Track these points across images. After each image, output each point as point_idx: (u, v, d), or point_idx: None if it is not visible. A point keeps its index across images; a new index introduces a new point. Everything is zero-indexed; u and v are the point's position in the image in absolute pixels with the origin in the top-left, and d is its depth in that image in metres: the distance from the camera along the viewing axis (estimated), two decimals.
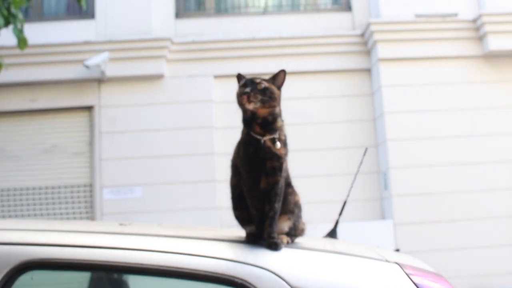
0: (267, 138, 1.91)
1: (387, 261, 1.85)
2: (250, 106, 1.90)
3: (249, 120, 1.94)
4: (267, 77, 1.97)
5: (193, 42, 7.01)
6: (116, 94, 6.90)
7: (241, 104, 1.93)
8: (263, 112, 1.91)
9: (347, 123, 7.00)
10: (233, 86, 1.98)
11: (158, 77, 6.92)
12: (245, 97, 1.89)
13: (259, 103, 1.90)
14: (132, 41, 6.85)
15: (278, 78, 1.96)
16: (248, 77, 1.97)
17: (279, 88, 1.96)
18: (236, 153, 2.00)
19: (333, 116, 7.00)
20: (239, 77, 1.98)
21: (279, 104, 1.95)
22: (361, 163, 2.88)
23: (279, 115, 1.96)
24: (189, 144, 6.82)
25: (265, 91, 1.91)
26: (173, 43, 6.90)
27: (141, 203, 6.71)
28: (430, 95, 6.82)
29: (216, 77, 6.96)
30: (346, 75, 7.08)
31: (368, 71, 7.08)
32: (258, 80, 1.93)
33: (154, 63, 6.88)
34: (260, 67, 6.73)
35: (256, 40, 7.03)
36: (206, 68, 7.00)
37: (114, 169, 6.76)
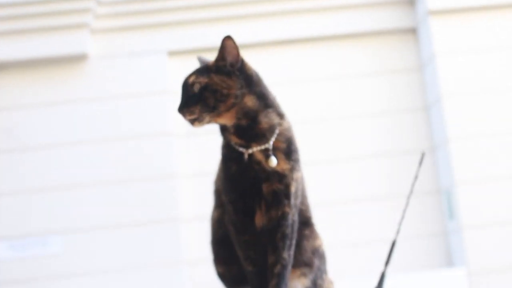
0: (255, 149, 1.47)
1: None
2: (196, 125, 1.51)
3: (221, 129, 1.53)
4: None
5: (133, 0, 4.56)
6: (13, 89, 4.50)
7: None
8: (222, 120, 1.48)
9: (383, 115, 4.63)
10: None
11: (79, 57, 4.47)
12: (181, 114, 1.51)
13: (205, 115, 1.45)
14: (31, 3, 4.38)
15: (224, 52, 1.43)
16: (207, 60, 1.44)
17: (232, 67, 1.42)
18: (218, 174, 1.60)
19: (359, 106, 4.64)
20: (200, 62, 1.54)
21: (243, 96, 1.41)
22: (415, 178, 2.09)
23: (262, 110, 1.43)
24: (131, 163, 4.42)
25: (202, 93, 1.46)
26: (99, 2, 4.46)
27: (60, 262, 4.31)
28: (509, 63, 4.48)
29: (171, 53, 4.57)
30: (378, 39, 4.67)
31: (413, 31, 4.68)
32: (190, 81, 1.50)
33: (71, 35, 4.43)
34: (244, 35, 4.39)
35: None
36: (155, 41, 4.60)
37: (12, 209, 4.32)
